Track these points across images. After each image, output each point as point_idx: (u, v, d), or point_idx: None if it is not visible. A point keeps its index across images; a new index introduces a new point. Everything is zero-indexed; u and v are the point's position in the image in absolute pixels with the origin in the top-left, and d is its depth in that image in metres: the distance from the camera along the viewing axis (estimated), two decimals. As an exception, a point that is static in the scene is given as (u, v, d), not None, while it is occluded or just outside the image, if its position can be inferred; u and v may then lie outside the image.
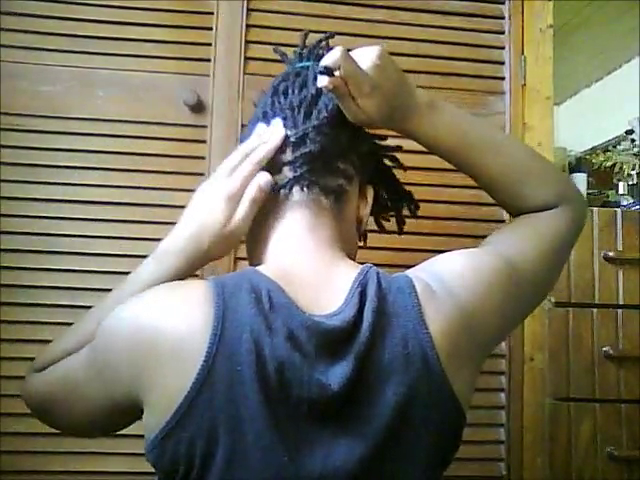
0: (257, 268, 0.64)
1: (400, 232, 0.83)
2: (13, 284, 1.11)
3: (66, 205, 1.12)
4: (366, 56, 0.65)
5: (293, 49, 0.78)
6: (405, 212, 0.83)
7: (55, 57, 1.16)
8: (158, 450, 0.58)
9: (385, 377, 0.58)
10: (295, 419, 0.56)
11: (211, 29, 1.19)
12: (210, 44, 1.18)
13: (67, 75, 1.16)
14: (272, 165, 0.69)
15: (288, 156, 0.68)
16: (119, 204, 1.13)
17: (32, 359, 1.09)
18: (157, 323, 0.58)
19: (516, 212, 0.76)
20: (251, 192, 0.67)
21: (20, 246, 1.11)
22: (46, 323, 1.09)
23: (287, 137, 0.68)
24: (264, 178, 0.67)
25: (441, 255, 0.69)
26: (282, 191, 0.68)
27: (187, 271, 0.69)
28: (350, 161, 0.71)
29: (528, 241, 0.72)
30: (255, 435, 0.55)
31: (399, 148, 0.79)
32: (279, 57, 0.80)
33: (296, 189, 0.68)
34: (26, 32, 1.16)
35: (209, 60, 1.18)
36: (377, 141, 0.78)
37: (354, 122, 0.69)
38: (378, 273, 0.64)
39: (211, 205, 0.68)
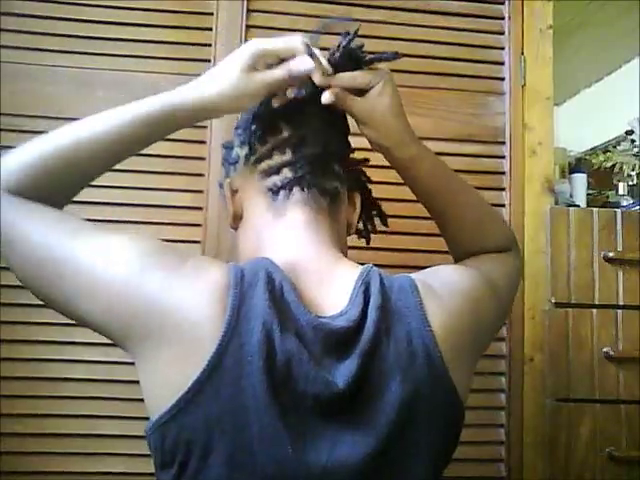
0: (271, 258, 0.64)
1: (368, 242, 0.86)
2: (13, 285, 1.11)
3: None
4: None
5: None
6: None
7: (55, 57, 1.16)
8: (158, 434, 0.57)
9: (390, 374, 0.59)
10: (301, 413, 0.57)
11: (211, 30, 1.19)
12: (210, 45, 1.18)
13: (67, 76, 1.16)
14: (271, 166, 0.69)
15: (288, 157, 0.69)
16: (119, 204, 1.13)
17: (32, 360, 1.10)
18: (174, 302, 0.57)
19: (469, 254, 0.79)
20: (298, 64, 0.65)
21: (20, 246, 1.11)
22: (46, 324, 1.09)
23: (287, 138, 0.69)
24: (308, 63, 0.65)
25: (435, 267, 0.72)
26: (282, 191, 0.69)
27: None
28: (342, 165, 0.73)
29: (495, 271, 0.76)
30: (260, 426, 0.55)
31: (367, 160, 0.82)
32: None
33: (296, 189, 0.69)
34: (26, 32, 1.16)
35: (209, 60, 1.18)
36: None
37: (356, 117, 0.71)
38: (380, 273, 0.65)
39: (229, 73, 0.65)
